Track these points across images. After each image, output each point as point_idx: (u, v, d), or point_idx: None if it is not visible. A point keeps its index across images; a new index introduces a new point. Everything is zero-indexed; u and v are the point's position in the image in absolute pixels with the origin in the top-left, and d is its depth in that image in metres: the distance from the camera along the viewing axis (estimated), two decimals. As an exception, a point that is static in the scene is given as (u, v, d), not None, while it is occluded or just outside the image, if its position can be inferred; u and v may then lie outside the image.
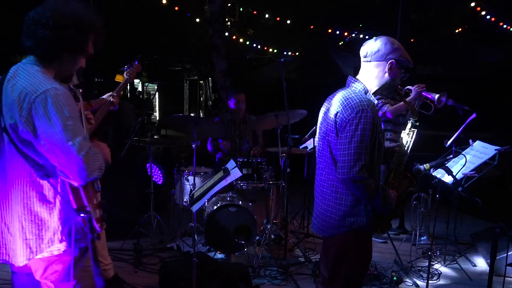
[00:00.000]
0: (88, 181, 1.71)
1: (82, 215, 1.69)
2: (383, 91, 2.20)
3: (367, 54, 2.15)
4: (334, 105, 2.11)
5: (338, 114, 2.06)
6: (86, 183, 1.72)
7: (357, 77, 2.19)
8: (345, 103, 2.05)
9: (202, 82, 19.18)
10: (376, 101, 2.13)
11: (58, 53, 1.77)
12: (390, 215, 2.22)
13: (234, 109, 4.78)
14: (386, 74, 2.12)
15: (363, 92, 2.11)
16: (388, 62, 2.10)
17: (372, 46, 2.14)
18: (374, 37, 2.19)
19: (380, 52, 2.11)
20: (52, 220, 1.78)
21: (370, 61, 2.14)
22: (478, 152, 3.64)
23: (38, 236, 1.77)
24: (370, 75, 2.15)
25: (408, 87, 4.18)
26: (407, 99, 4.14)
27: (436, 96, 3.98)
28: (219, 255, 4.04)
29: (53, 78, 1.80)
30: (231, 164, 2.42)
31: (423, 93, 4.08)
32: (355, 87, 2.14)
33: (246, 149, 4.50)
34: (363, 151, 1.98)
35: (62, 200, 1.75)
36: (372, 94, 2.15)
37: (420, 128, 2.35)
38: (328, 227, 2.16)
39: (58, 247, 1.81)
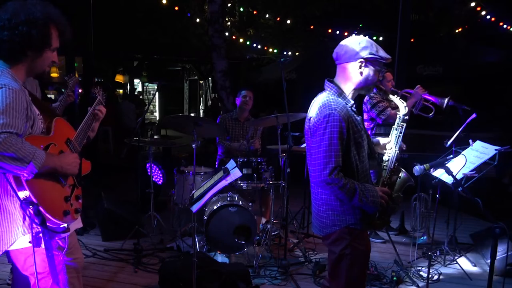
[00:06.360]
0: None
1: (30, 207, 1.69)
2: (361, 91, 2.21)
3: (337, 56, 2.18)
4: (311, 109, 2.17)
5: (312, 118, 2.13)
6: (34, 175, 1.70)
7: (334, 79, 2.22)
8: (318, 108, 2.10)
9: (202, 82, 19.18)
10: (351, 102, 2.15)
11: (22, 51, 1.83)
12: (387, 211, 2.20)
13: (240, 105, 4.78)
14: (358, 74, 2.13)
15: (336, 94, 2.15)
16: (358, 61, 2.11)
17: (340, 48, 2.17)
18: (344, 40, 2.20)
19: (348, 53, 2.12)
20: (17, 212, 1.82)
21: (341, 63, 2.18)
22: (478, 152, 3.64)
23: (8, 228, 1.82)
24: (344, 77, 2.17)
25: (406, 90, 4.19)
26: (408, 101, 4.15)
27: (445, 100, 3.98)
28: (220, 256, 4.04)
29: (23, 76, 1.87)
30: (231, 164, 2.41)
31: (424, 96, 4.08)
32: (329, 90, 2.18)
33: (246, 149, 4.50)
34: (332, 154, 2.00)
35: (15, 192, 1.77)
36: (349, 95, 2.17)
37: (408, 123, 2.34)
38: (323, 226, 2.19)
39: (25, 239, 1.84)
